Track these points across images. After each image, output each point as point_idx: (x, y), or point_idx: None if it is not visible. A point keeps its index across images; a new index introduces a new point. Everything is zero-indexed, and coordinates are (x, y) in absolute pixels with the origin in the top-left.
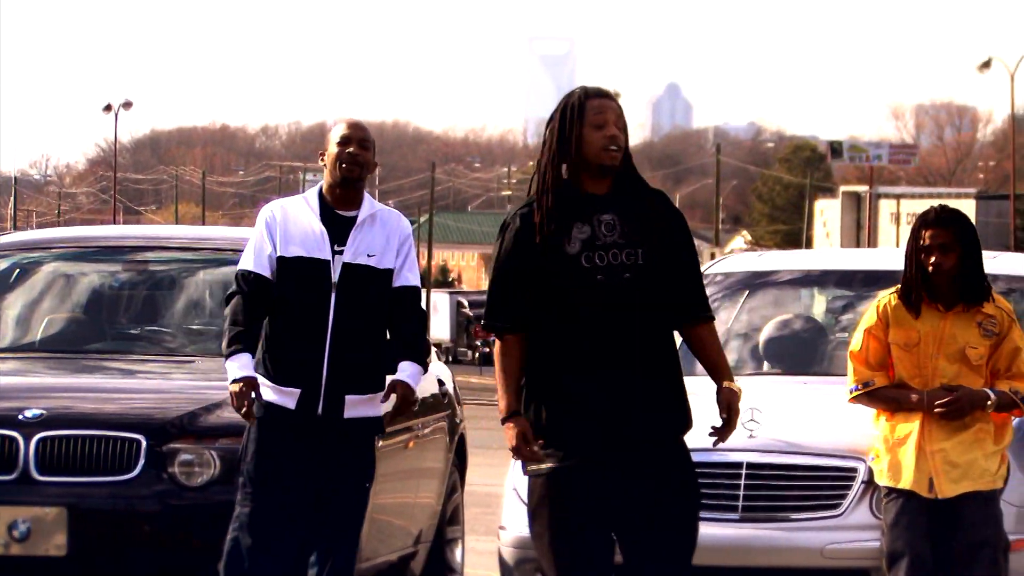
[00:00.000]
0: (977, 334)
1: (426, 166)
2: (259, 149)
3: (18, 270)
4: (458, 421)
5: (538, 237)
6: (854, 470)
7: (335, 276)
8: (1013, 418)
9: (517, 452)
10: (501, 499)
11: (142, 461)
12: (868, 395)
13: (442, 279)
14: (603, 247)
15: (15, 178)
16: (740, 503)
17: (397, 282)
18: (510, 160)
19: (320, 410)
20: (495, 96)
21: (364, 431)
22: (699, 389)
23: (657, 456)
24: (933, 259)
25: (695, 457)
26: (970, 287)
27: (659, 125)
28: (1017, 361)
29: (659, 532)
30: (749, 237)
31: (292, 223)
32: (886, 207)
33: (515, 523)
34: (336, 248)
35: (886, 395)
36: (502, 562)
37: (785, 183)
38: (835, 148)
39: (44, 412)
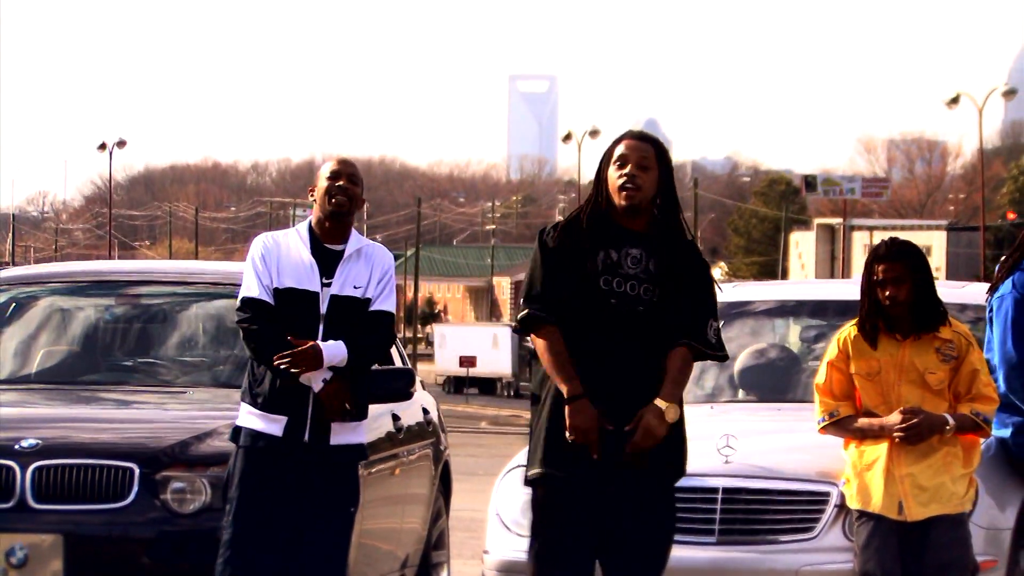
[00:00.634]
0: (935, 359)
1: (412, 201)
2: (250, 185)
3: (15, 304)
4: (443, 448)
5: (563, 242)
6: (827, 494)
7: (323, 307)
8: (981, 440)
9: (585, 436)
10: (485, 524)
11: (136, 489)
12: (835, 424)
13: (428, 311)
14: (624, 276)
15: (13, 215)
16: (717, 527)
17: (372, 307)
18: (494, 195)
19: (307, 437)
20: (479, 133)
21: (348, 457)
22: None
23: (644, 484)
24: (888, 292)
25: None
26: (925, 314)
27: None
28: (976, 383)
29: (633, 555)
30: (727, 269)
31: (284, 255)
32: (859, 239)
33: (499, 547)
34: (324, 280)
35: (851, 424)
36: None
37: (761, 216)
38: (809, 182)
39: (40, 442)
